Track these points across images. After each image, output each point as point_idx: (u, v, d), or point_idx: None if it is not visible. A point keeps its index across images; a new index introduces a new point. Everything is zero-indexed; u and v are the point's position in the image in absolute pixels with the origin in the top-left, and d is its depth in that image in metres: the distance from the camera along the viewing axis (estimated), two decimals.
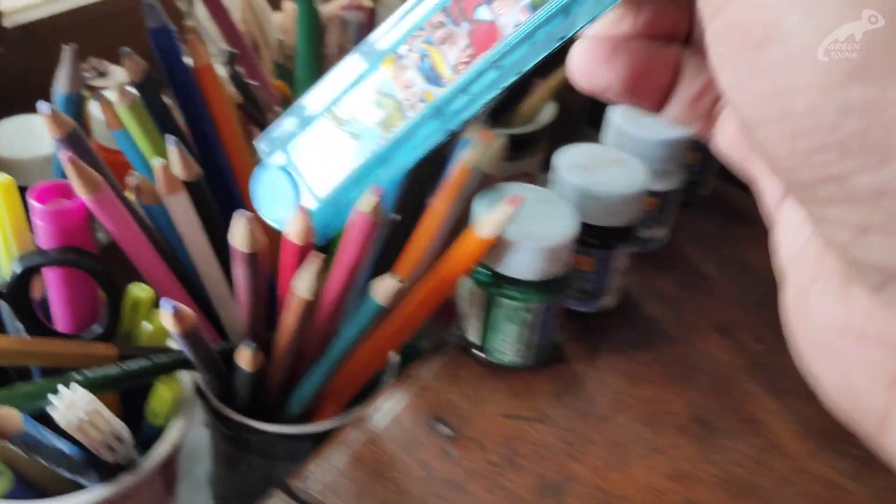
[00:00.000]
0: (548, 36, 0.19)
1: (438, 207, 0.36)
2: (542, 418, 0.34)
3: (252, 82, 0.43)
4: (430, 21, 0.20)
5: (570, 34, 0.19)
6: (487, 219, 0.32)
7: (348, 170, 0.22)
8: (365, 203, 0.31)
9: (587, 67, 0.20)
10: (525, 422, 0.34)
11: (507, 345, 0.35)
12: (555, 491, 0.32)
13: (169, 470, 0.38)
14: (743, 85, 0.14)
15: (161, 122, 0.36)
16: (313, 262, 0.30)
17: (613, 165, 0.37)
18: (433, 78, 0.20)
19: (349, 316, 0.34)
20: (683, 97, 0.20)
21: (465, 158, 0.34)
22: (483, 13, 0.19)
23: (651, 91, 0.20)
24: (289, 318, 0.33)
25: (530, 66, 0.19)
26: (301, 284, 0.31)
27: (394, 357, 0.39)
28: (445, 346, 0.37)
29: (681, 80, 0.20)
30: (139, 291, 0.37)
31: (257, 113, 0.43)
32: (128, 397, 0.38)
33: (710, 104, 0.20)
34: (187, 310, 0.29)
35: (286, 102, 0.42)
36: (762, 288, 0.42)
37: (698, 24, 0.20)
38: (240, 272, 0.31)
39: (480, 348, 0.36)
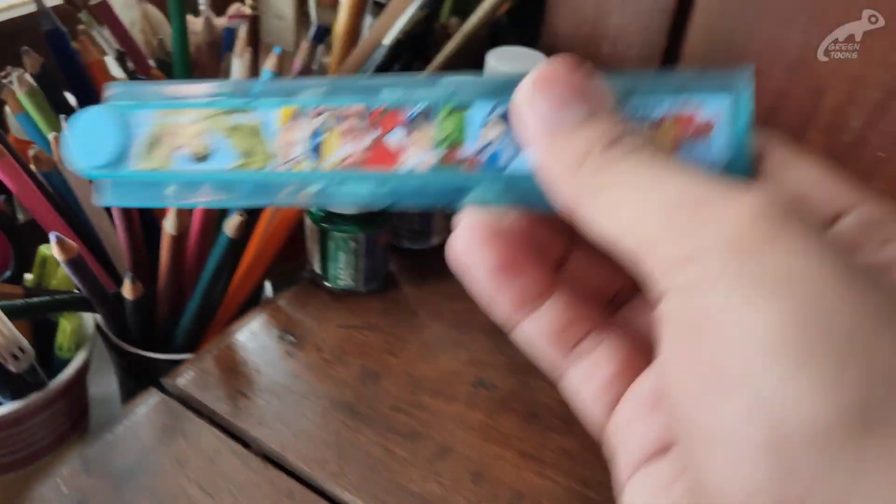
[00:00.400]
0: (435, 195, 0.19)
1: None
2: (369, 327, 0.43)
3: (142, 77, 0.51)
4: (348, 108, 0.20)
5: (456, 206, 0.19)
6: None
7: (183, 167, 0.20)
8: None
9: (464, 240, 0.20)
10: (355, 330, 0.43)
11: (342, 272, 0.44)
12: (373, 377, 0.40)
13: (75, 397, 0.46)
14: (701, 413, 0.15)
15: (56, 106, 0.45)
16: None
17: None
18: (315, 155, 0.20)
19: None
20: (546, 322, 0.20)
21: None
22: (396, 136, 0.19)
23: (512, 294, 0.20)
24: (164, 254, 0.41)
25: (403, 205, 0.20)
26: (168, 223, 0.39)
27: (267, 288, 0.47)
28: (299, 280, 0.46)
29: (547, 303, 0.20)
30: (47, 250, 0.45)
31: None
32: (40, 337, 0.45)
33: (573, 339, 0.20)
34: (70, 241, 0.37)
35: None
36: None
37: (578, 262, 0.21)
38: (115, 211, 0.40)
39: (324, 277, 0.45)
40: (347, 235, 0.43)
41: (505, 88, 0.19)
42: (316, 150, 0.20)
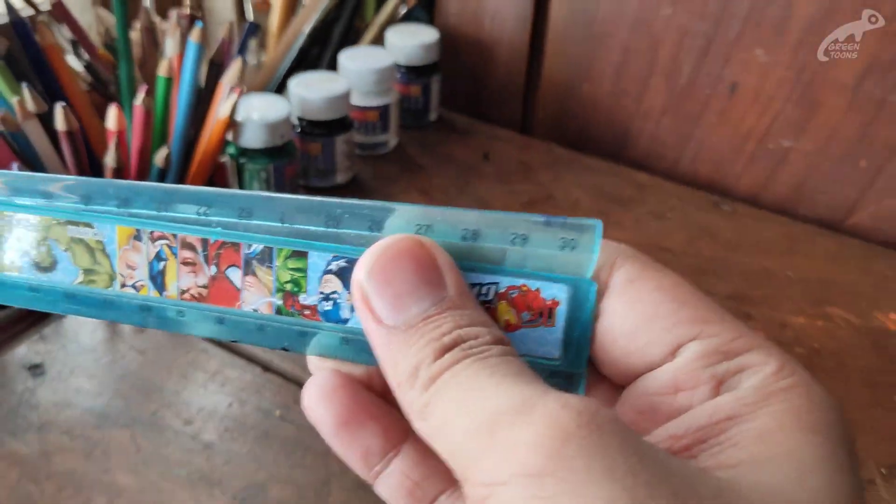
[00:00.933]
0: (277, 338, 0.19)
1: (210, 111, 0.54)
2: None
3: (93, 62, 0.61)
4: (185, 238, 0.19)
5: (299, 351, 0.19)
6: (223, 106, 0.50)
7: (31, 274, 0.20)
8: (138, 99, 0.50)
9: (309, 396, 0.20)
10: None
11: None
12: None
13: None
14: None
15: (19, 78, 0.54)
16: (113, 140, 0.48)
17: (327, 83, 0.56)
18: (157, 282, 0.19)
19: None
20: (397, 480, 0.20)
21: (221, 80, 0.53)
22: (233, 275, 0.19)
23: (357, 450, 0.20)
24: None
25: (247, 342, 0.19)
26: (108, 158, 0.49)
27: None
28: None
29: (398, 458, 0.20)
30: None
31: (101, 86, 0.62)
32: None
33: (427, 498, 0.20)
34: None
35: (112, 66, 0.60)
36: (458, 170, 0.61)
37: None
38: (65, 149, 0.49)
39: None
40: (259, 167, 0.52)
41: (344, 241, 0.19)
42: (158, 276, 0.19)
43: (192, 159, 0.54)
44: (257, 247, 0.19)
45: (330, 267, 0.18)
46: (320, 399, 0.20)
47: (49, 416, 0.39)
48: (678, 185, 0.61)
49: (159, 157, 0.49)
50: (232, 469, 0.37)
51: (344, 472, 0.37)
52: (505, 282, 0.18)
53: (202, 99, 0.55)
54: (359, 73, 0.59)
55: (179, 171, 0.53)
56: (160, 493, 0.36)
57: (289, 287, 0.19)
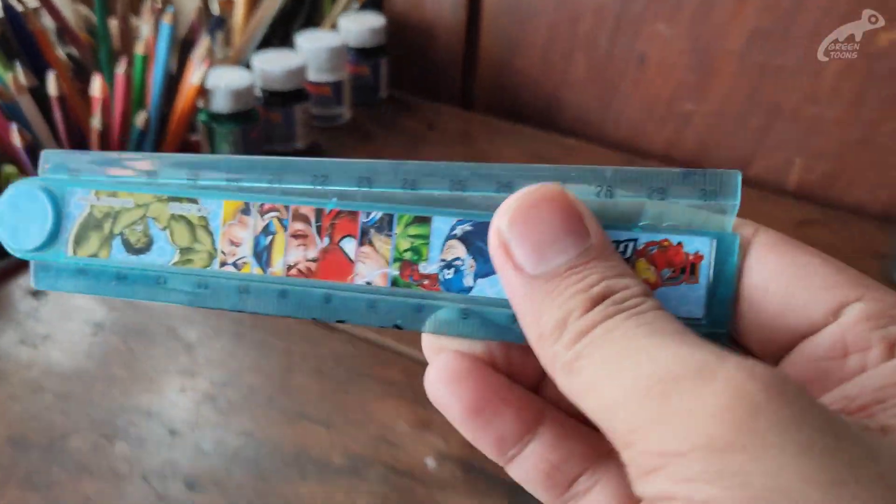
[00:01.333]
0: (392, 314, 0.18)
1: (184, 81, 0.62)
2: None
3: (75, 49, 0.68)
4: (298, 209, 0.18)
5: (416, 328, 0.18)
6: (194, 75, 0.58)
7: (121, 257, 0.19)
8: (120, 68, 0.57)
9: (433, 381, 0.19)
10: None
11: None
12: None
13: None
14: None
15: (10, 57, 0.61)
16: (98, 106, 0.55)
17: (286, 59, 0.63)
18: (262, 257, 0.18)
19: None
20: (533, 464, 0.19)
21: (192, 54, 0.60)
22: (348, 246, 0.18)
23: (490, 437, 0.19)
24: (93, 147, 0.58)
25: (357, 321, 0.18)
26: (94, 121, 0.56)
27: None
28: None
29: (534, 442, 0.19)
30: (10, 169, 0.61)
31: (82, 73, 0.69)
32: None
33: (566, 480, 0.19)
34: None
35: (92, 48, 0.67)
36: (406, 139, 0.69)
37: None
38: (56, 114, 0.56)
39: None
40: (227, 130, 0.59)
41: (470, 204, 0.18)
42: (263, 252, 0.18)
43: (170, 121, 0.61)
44: (376, 214, 0.18)
45: (454, 232, 0.18)
46: (446, 385, 0.19)
47: (52, 328, 0.46)
48: (602, 147, 0.69)
49: (140, 119, 0.56)
50: (210, 362, 0.44)
51: (304, 360, 0.45)
52: (644, 237, 0.17)
53: (175, 75, 0.62)
54: (312, 51, 0.67)
55: (157, 134, 0.60)
56: (150, 381, 0.43)
57: (408, 255, 0.18)
